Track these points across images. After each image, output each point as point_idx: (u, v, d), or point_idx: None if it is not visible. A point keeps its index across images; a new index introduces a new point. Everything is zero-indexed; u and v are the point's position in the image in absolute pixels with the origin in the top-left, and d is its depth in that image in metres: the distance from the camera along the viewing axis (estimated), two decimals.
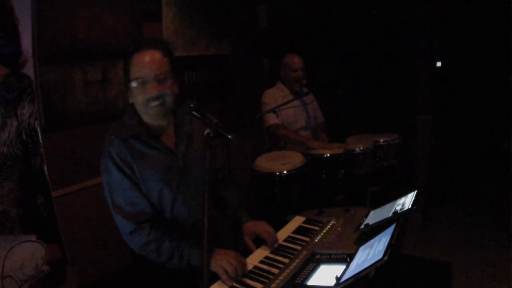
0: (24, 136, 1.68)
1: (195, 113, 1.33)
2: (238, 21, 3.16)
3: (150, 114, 1.41)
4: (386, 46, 4.27)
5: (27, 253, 1.63)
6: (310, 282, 1.19)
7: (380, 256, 0.99)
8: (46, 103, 1.82)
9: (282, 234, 1.56)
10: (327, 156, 2.53)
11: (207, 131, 1.26)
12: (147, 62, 1.37)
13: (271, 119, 2.72)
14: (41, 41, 1.77)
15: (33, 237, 1.65)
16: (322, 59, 4.10)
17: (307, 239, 1.50)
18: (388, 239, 1.08)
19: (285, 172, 2.26)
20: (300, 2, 3.88)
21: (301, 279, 1.21)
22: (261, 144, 3.07)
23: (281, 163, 2.33)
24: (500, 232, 3.19)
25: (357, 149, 2.59)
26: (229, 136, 1.28)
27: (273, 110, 2.61)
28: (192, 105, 1.32)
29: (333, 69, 4.21)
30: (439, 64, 4.79)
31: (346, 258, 1.24)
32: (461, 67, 4.71)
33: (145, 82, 1.37)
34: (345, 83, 4.33)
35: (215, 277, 1.28)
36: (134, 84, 1.38)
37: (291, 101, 2.69)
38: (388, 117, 3.84)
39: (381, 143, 2.76)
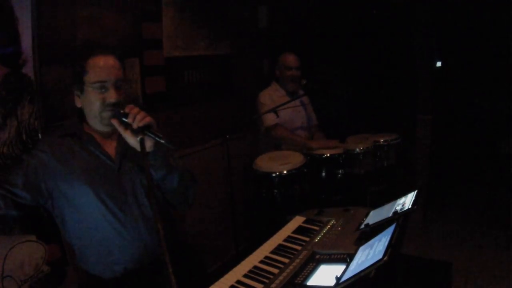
0: (24, 136, 1.68)
1: (124, 119, 1.28)
2: (238, 21, 3.16)
3: (103, 119, 1.36)
4: (386, 46, 4.27)
5: (27, 253, 1.63)
6: (310, 282, 1.19)
7: (380, 256, 0.99)
8: (46, 103, 1.82)
9: (282, 234, 1.56)
10: (327, 156, 2.53)
11: (140, 137, 1.24)
12: (107, 66, 1.35)
13: (270, 120, 2.72)
14: (41, 41, 1.77)
15: (33, 237, 1.65)
16: (322, 59, 4.10)
17: (307, 239, 1.50)
18: (388, 239, 1.08)
19: (285, 172, 2.26)
20: (300, 3, 3.88)
21: (301, 279, 1.21)
22: (260, 145, 3.07)
23: (281, 163, 2.33)
24: (500, 232, 3.19)
25: (357, 149, 2.59)
26: (161, 141, 1.25)
27: (273, 110, 2.61)
28: (122, 112, 1.29)
29: (333, 69, 4.21)
30: (439, 64, 4.79)
31: (346, 258, 1.24)
32: (461, 67, 4.71)
33: (105, 87, 1.34)
34: (345, 83, 4.32)
35: (214, 278, 1.27)
36: (91, 87, 1.33)
37: (290, 101, 2.68)
38: (388, 117, 3.83)
39: (381, 143, 2.76)
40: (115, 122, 1.30)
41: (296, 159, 2.37)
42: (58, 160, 1.34)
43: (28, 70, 1.68)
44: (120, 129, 1.30)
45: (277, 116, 2.64)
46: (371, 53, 4.28)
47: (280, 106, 2.62)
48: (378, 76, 4.34)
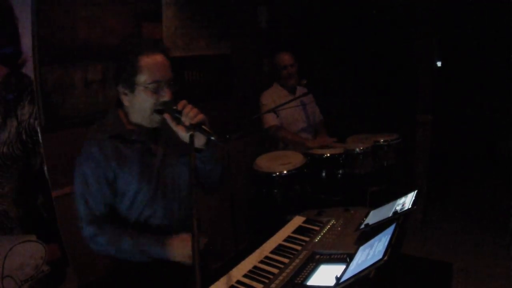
0: (24, 136, 1.68)
1: (177, 115, 1.29)
2: (238, 21, 3.16)
3: (153, 121, 1.38)
4: (386, 46, 4.27)
5: (27, 253, 1.63)
6: (310, 282, 1.19)
7: (380, 256, 0.99)
8: (46, 103, 1.82)
9: (282, 234, 1.56)
10: (327, 156, 2.53)
11: (190, 132, 1.24)
12: (161, 66, 1.34)
13: (271, 120, 2.72)
14: (41, 41, 1.77)
15: (33, 237, 1.65)
16: (322, 59, 4.10)
17: (307, 239, 1.50)
18: (388, 239, 1.08)
19: (285, 172, 2.26)
20: (300, 3, 3.88)
21: (301, 279, 1.21)
22: (261, 144, 3.07)
23: (281, 163, 2.33)
24: (500, 232, 3.19)
25: (357, 149, 2.59)
26: (212, 138, 1.26)
27: (273, 110, 2.61)
28: (175, 108, 1.30)
29: (333, 69, 4.21)
30: (439, 64, 4.80)
31: (346, 258, 1.24)
32: (461, 67, 4.71)
33: (160, 87, 1.33)
34: (345, 83, 4.33)
35: (214, 278, 1.27)
36: (144, 88, 1.32)
37: (290, 101, 2.68)
38: (388, 117, 3.84)
39: (381, 143, 2.76)
40: (167, 117, 1.32)
41: (296, 159, 2.36)
42: (108, 158, 1.35)
43: (28, 70, 1.69)
44: (172, 124, 1.31)
45: (277, 116, 2.64)
46: (371, 53, 4.29)
47: (280, 106, 2.62)
48: (378, 76, 4.34)
